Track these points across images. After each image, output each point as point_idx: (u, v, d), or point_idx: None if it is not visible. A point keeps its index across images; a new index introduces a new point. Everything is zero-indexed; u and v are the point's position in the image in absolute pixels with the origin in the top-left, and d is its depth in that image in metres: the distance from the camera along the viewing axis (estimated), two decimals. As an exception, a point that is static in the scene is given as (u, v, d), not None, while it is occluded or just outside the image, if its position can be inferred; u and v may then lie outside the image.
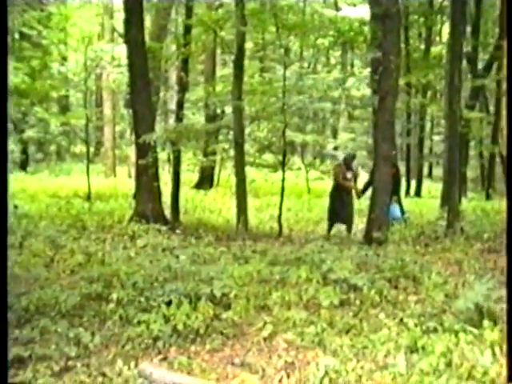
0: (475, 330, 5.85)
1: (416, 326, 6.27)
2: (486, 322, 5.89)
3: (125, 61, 18.09)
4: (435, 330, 6.12)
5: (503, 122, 26.12)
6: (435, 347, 5.56)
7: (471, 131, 25.47)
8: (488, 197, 24.20)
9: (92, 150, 35.33)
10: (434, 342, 5.70)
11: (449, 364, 5.33)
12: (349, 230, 13.61)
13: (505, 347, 5.27)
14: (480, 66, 26.36)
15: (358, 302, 7.28)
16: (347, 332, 6.38)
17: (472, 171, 32.84)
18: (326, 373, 5.34)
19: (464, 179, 23.70)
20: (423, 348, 5.70)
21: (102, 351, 6.02)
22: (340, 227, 13.86)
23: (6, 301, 4.43)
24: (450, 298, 7.33)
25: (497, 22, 27.81)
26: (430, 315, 6.74)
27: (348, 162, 13.79)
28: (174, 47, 22.32)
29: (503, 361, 5.29)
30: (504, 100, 28.06)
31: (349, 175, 13.59)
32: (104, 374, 5.45)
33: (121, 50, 25.05)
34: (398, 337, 6.06)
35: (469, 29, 25.03)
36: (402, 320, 6.55)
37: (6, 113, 4.54)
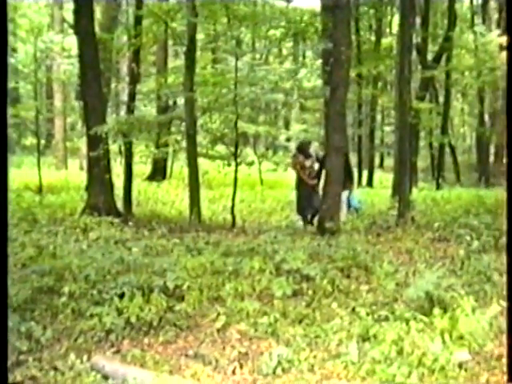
0: (425, 318, 5.92)
1: (368, 314, 6.34)
2: (436, 310, 5.97)
3: (75, 52, 17.91)
4: (386, 319, 6.19)
5: (452, 112, 26.43)
6: (386, 335, 5.63)
7: (421, 122, 25.77)
8: (438, 186, 24.52)
9: (43, 142, 34.85)
10: (385, 331, 5.77)
11: (400, 352, 5.41)
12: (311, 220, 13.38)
13: (505, 347, 5.34)
14: (429, 57, 26.66)
15: (310, 292, 7.32)
16: (300, 322, 6.43)
17: (422, 161, 33.23)
18: (279, 362, 5.39)
19: (414, 169, 23.98)
20: (375, 336, 5.77)
21: (54, 345, 5.98)
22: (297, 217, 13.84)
23: (6, 300, 4.38)
24: (401, 286, 7.42)
25: (446, 13, 28.17)
26: (381, 304, 6.82)
27: (304, 150, 13.63)
28: (124, 38, 22.07)
29: (453, 348, 5.38)
30: (453, 91, 28.45)
31: (307, 163, 13.40)
32: (56, 368, 5.42)
33: (71, 41, 24.80)
34: (350, 326, 6.13)
35: (418, 20, 25.31)
36: (354, 309, 6.62)
37: (6, 113, 4.49)
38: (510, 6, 8.80)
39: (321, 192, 12.77)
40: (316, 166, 13.40)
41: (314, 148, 13.69)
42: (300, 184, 13.59)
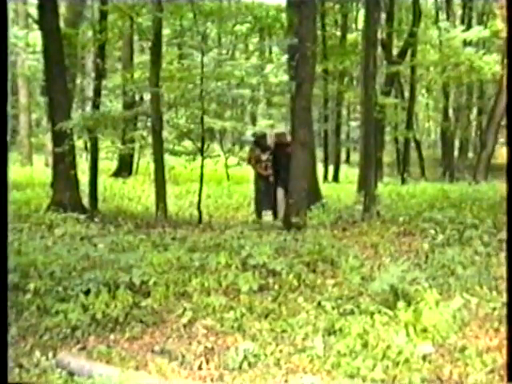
0: (390, 312, 5.99)
1: (333, 308, 6.39)
2: (400, 303, 6.03)
3: (40, 47, 17.76)
4: (352, 313, 6.24)
5: (417, 107, 26.59)
6: (352, 329, 5.69)
7: (386, 117, 25.94)
8: (403, 181, 24.65)
9: (8, 138, 34.49)
10: (350, 324, 5.82)
11: (365, 345, 5.47)
12: (275, 215, 13.43)
13: (505, 347, 5.39)
14: (395, 52, 26.83)
15: (276, 287, 7.35)
16: (266, 316, 6.46)
17: (388, 156, 33.47)
18: (245, 357, 5.42)
19: (380, 164, 24.13)
20: (340, 330, 5.82)
21: (19, 342, 5.95)
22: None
23: (6, 300, 4.36)
24: (366, 280, 7.47)
25: (410, 9, 28.37)
26: (346, 298, 6.87)
27: (260, 143, 13.63)
28: (90, 33, 21.95)
29: (417, 340, 5.44)
30: (418, 86, 28.61)
31: (264, 156, 13.39)
32: (21, 366, 5.40)
33: (36, 37, 24.58)
34: (316, 320, 6.17)
35: (383, 16, 25.43)
36: (319, 303, 6.66)
37: (6, 112, 4.46)
38: (510, 7, 8.90)
39: (279, 187, 13.05)
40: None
41: (272, 138, 13.67)
42: (257, 178, 13.69)
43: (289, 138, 13.12)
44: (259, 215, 13.55)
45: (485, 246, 9.03)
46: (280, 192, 13.24)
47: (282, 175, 13.00)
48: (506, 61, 20.37)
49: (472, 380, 4.97)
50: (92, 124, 14.14)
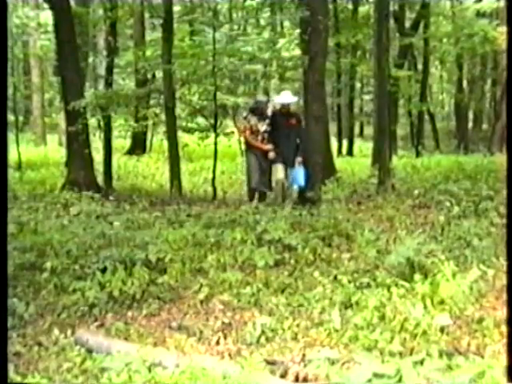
0: (407, 284, 5.96)
1: (349, 282, 6.38)
2: (417, 276, 6.00)
3: (51, 27, 17.74)
4: (368, 286, 6.23)
5: (431, 80, 26.36)
6: (368, 302, 5.68)
7: (400, 89, 25.80)
8: (418, 154, 24.59)
9: (21, 118, 34.55)
10: (367, 297, 5.81)
11: (382, 318, 5.45)
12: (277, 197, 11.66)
13: (505, 347, 5.38)
14: (407, 24, 26.63)
15: (292, 262, 7.36)
16: (283, 291, 6.47)
17: (402, 129, 33.29)
18: (263, 332, 5.43)
19: (394, 137, 23.99)
20: (357, 303, 5.82)
21: (37, 320, 5.98)
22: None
23: (6, 300, 4.38)
24: (382, 253, 7.46)
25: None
26: (363, 271, 6.87)
27: (258, 110, 11.89)
28: (100, 11, 21.87)
29: (434, 312, 5.43)
30: (431, 58, 28.38)
31: (262, 127, 11.69)
32: (40, 344, 5.43)
33: (47, 16, 24.55)
34: (333, 294, 6.17)
35: (395, -12, 25.23)
36: (335, 277, 6.65)
37: (6, 110, 4.47)
38: (511, 7, 8.85)
39: (278, 163, 11.52)
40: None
41: (271, 106, 12.18)
42: (250, 152, 11.94)
43: (292, 108, 11.98)
44: (253, 197, 11.72)
45: (501, 218, 8.99)
46: (279, 168, 11.53)
47: (282, 149, 11.45)
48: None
49: (490, 351, 4.96)
50: (105, 102, 14.16)
